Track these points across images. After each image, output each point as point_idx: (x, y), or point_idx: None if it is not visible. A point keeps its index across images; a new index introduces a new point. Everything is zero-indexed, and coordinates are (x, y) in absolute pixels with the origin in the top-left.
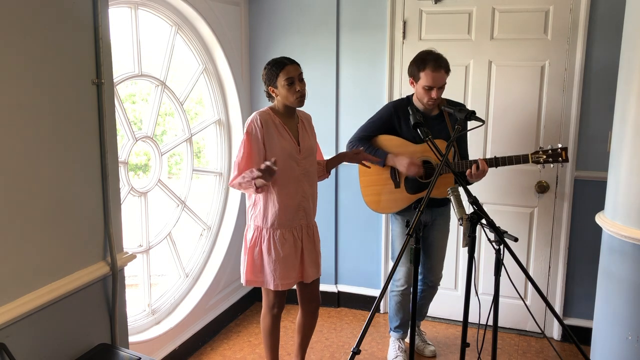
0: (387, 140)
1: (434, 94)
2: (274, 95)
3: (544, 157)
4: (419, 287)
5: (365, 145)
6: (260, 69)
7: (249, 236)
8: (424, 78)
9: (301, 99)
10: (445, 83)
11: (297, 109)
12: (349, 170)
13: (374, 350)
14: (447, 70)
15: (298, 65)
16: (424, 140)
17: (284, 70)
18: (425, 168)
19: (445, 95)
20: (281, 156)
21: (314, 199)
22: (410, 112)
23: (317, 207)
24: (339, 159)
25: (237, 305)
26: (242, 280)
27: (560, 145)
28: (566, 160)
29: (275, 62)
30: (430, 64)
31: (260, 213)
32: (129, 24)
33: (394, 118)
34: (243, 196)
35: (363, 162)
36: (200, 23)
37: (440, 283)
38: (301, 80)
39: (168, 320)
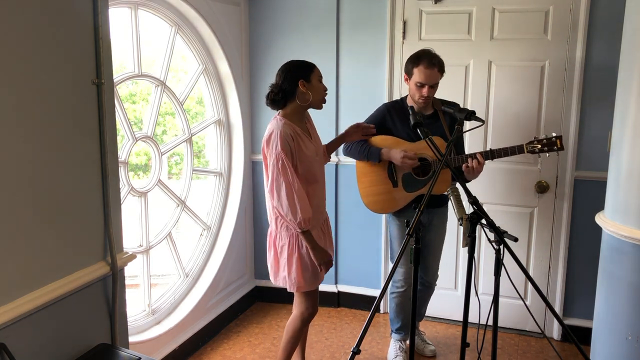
0: (382, 140)
1: (424, 91)
2: (304, 90)
3: (539, 146)
4: None
5: (360, 143)
6: (260, 69)
7: (283, 242)
8: (417, 74)
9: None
10: (438, 83)
11: None
12: (349, 171)
13: (374, 350)
14: (440, 69)
15: None
16: (423, 139)
17: (317, 69)
18: (421, 165)
19: (446, 94)
20: (311, 163)
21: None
22: (410, 113)
23: None
24: (339, 140)
25: (237, 305)
26: (294, 288)
27: (554, 134)
28: (561, 148)
29: (307, 62)
30: (424, 61)
31: None
32: (129, 24)
33: (388, 118)
34: (243, 197)
35: (365, 133)
36: (200, 23)
37: (437, 283)
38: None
39: (168, 320)
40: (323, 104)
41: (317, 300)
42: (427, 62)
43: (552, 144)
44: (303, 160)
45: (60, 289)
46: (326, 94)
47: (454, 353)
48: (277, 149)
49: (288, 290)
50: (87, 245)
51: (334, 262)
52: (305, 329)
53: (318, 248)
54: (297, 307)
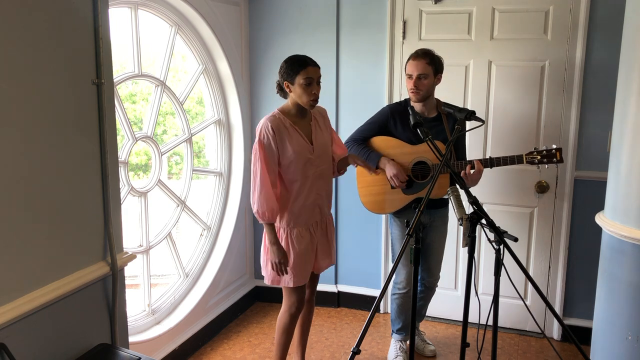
0: (383, 141)
1: (411, 82)
2: (287, 91)
3: (539, 157)
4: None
5: (361, 146)
6: (260, 69)
7: (263, 233)
8: (407, 67)
9: (314, 102)
10: (427, 75)
11: None
12: (349, 170)
13: (374, 350)
14: (431, 62)
15: (319, 68)
16: (423, 141)
17: (305, 70)
18: (421, 168)
19: (446, 94)
20: (295, 159)
21: (328, 195)
22: (410, 113)
23: None
24: (343, 163)
25: (237, 305)
26: (267, 280)
27: (554, 146)
28: (561, 161)
29: (299, 59)
30: (413, 54)
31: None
32: (129, 24)
33: (390, 121)
34: (243, 196)
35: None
36: (200, 23)
37: (439, 284)
38: (318, 84)
39: (168, 320)
40: (311, 104)
41: (304, 297)
42: (415, 54)
43: (551, 156)
44: (285, 155)
45: (60, 289)
46: (313, 97)
47: (454, 353)
48: (256, 139)
49: (265, 282)
50: (87, 245)
51: (334, 263)
52: (305, 328)
53: (275, 245)
54: (284, 303)
